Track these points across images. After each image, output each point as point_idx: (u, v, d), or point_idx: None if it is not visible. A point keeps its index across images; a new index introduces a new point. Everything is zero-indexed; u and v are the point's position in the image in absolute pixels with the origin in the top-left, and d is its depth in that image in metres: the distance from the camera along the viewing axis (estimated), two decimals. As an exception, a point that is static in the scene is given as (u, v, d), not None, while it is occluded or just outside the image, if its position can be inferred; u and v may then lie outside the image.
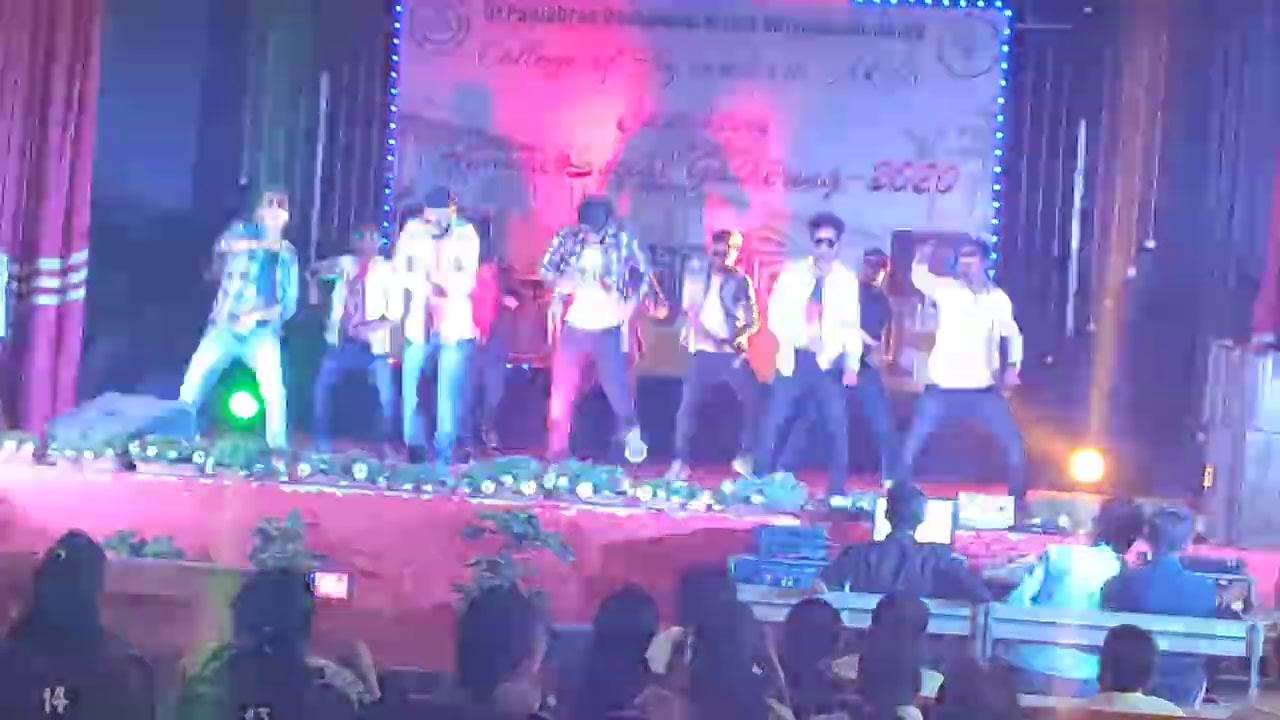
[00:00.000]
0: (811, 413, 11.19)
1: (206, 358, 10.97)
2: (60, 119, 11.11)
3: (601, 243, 11.23)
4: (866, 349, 11.17)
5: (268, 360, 11.03)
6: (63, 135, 11.13)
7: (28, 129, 11.07)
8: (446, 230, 11.08)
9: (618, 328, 11.33)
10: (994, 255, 12.72)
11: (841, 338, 10.86)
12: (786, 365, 10.92)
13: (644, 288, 11.40)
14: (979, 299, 10.73)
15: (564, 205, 13.06)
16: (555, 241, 11.41)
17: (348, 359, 11.63)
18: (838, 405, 10.95)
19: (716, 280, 11.62)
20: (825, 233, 10.86)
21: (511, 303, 12.28)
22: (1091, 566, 8.26)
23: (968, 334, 10.71)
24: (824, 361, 10.85)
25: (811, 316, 10.88)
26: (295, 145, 13.36)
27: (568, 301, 11.35)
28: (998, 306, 10.79)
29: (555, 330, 11.54)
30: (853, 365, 10.88)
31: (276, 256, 10.97)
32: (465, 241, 11.15)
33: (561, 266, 11.29)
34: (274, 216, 10.93)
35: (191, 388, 10.95)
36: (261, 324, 10.94)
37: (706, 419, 11.60)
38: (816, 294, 10.86)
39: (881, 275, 12.00)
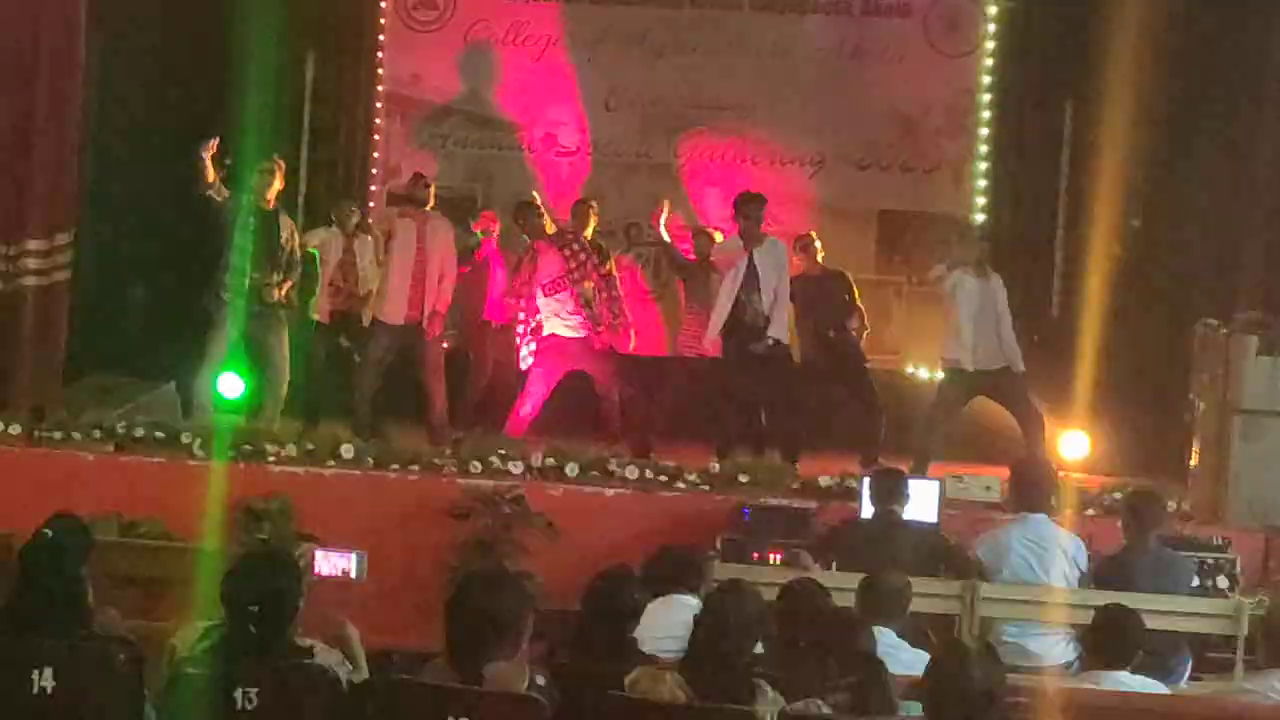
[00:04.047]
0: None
1: (227, 339, 11.00)
2: (45, 99, 11.08)
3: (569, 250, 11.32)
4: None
5: (278, 341, 11.05)
6: (47, 116, 11.10)
7: (12, 110, 11.03)
8: (426, 216, 11.10)
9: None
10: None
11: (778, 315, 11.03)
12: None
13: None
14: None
15: (551, 185, 13.05)
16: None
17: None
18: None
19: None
20: (750, 210, 10.96)
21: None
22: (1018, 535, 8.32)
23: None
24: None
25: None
26: (280, 125, 13.30)
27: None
28: None
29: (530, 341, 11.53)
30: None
31: (269, 215, 11.02)
32: (444, 234, 11.17)
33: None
34: (263, 180, 11.00)
35: (210, 372, 10.99)
36: (271, 305, 10.98)
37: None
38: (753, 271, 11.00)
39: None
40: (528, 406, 11.30)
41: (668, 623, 6.17)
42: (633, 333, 11.57)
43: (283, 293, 11.06)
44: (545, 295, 11.27)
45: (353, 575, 7.87)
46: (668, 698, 5.15)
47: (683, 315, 11.89)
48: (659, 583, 6.57)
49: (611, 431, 11.33)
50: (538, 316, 11.36)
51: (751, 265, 10.94)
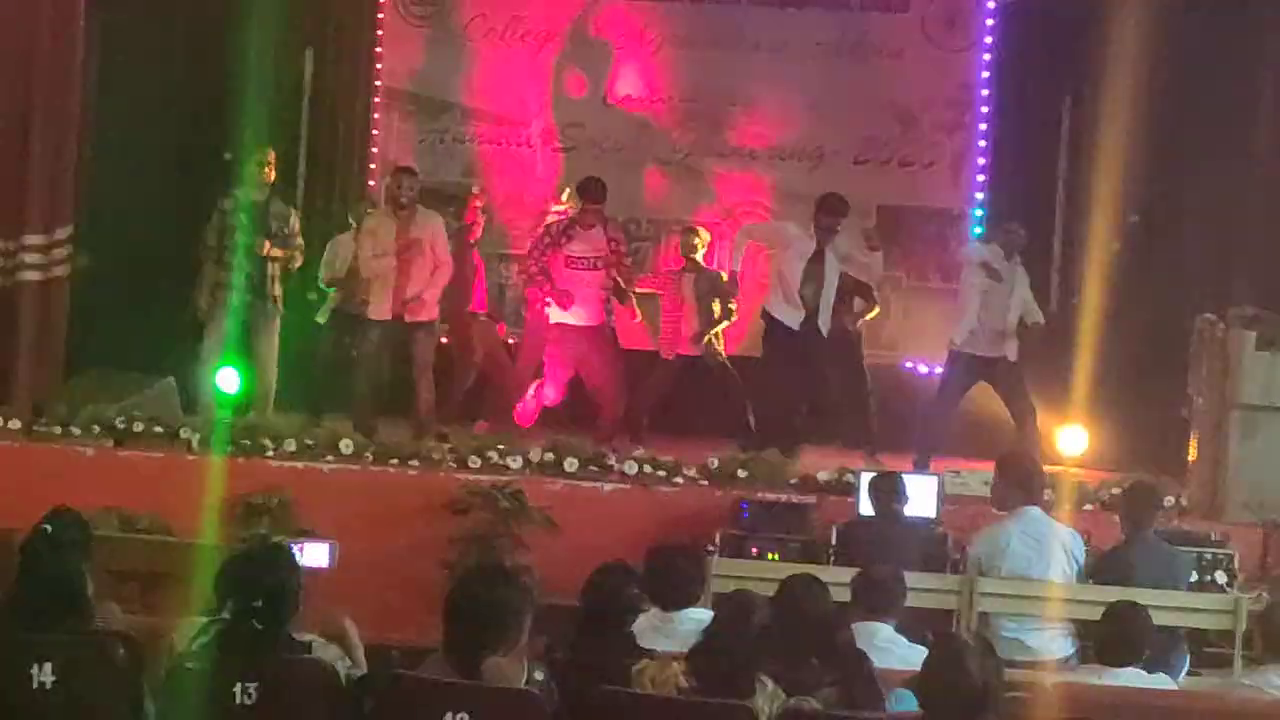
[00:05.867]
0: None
1: (224, 334, 10.99)
2: (44, 93, 11.09)
3: (599, 227, 11.33)
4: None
5: (269, 332, 11.06)
6: (46, 109, 11.11)
7: (11, 104, 11.03)
8: (410, 210, 11.12)
9: (606, 323, 11.50)
10: (979, 230, 12.76)
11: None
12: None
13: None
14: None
15: (550, 180, 13.03)
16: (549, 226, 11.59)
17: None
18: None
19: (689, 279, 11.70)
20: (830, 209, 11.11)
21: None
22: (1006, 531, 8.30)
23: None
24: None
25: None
26: (279, 120, 13.29)
27: (560, 294, 11.34)
28: None
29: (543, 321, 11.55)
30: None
31: (260, 205, 11.04)
32: (432, 226, 11.19)
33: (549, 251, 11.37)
34: (254, 171, 11.07)
35: (208, 367, 11.00)
36: (265, 298, 10.99)
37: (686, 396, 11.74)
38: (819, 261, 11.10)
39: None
40: (550, 390, 11.38)
41: (670, 636, 6.13)
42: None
43: (268, 250, 11.03)
44: (567, 267, 11.31)
45: (324, 565, 7.93)
46: (673, 684, 5.16)
47: (666, 314, 11.87)
48: (659, 592, 6.48)
49: (608, 426, 11.35)
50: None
51: (820, 261, 11.08)
